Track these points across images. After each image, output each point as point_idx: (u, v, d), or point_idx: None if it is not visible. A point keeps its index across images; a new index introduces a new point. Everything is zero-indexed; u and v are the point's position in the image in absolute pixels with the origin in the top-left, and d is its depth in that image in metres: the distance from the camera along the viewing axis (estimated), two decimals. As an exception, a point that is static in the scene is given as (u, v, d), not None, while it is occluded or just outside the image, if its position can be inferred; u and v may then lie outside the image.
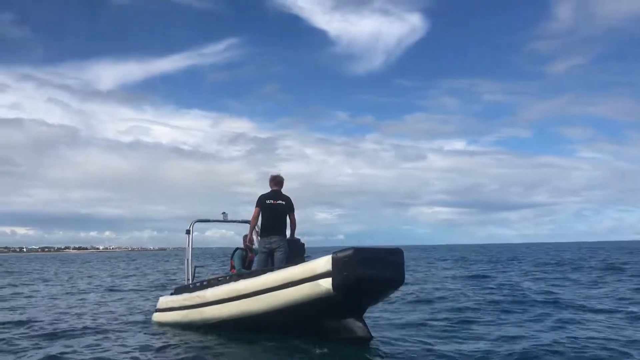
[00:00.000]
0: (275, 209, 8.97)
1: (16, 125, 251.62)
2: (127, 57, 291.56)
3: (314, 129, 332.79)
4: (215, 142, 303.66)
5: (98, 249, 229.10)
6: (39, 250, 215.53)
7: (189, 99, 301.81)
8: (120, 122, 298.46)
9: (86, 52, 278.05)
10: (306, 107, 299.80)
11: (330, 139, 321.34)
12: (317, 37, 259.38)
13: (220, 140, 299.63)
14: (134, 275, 28.71)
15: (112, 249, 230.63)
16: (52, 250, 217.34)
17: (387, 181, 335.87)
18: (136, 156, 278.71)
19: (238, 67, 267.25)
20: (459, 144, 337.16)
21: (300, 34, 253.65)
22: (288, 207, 9.05)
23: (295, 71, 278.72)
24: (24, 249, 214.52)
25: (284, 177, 9.24)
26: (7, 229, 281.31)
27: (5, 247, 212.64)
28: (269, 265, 8.75)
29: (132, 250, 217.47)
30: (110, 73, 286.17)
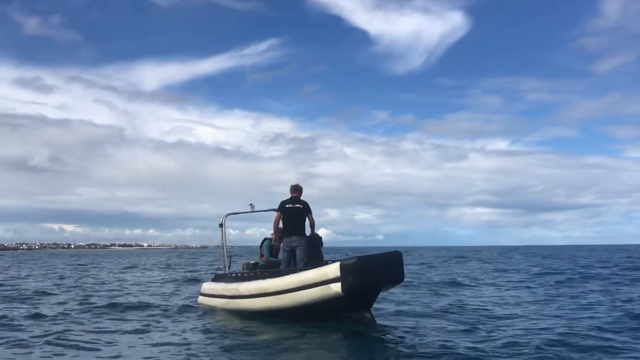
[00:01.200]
0: (294, 212, 10.50)
1: (65, 125, 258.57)
2: (170, 58, 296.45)
3: (354, 129, 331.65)
4: (256, 142, 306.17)
5: (142, 246, 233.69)
6: (86, 246, 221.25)
7: (230, 100, 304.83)
8: (164, 122, 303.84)
9: (131, 54, 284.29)
10: (346, 107, 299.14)
11: (371, 139, 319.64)
12: (357, 37, 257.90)
13: (261, 140, 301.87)
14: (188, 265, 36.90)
15: (156, 246, 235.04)
16: (99, 247, 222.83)
17: (428, 181, 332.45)
18: (180, 156, 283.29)
19: (279, 68, 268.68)
20: (502, 144, 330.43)
21: (340, 33, 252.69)
22: (305, 210, 10.56)
23: (336, 71, 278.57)
24: (72, 245, 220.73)
25: (302, 186, 10.84)
26: (56, 226, 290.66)
27: (54, 244, 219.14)
28: (291, 261, 10.39)
29: (176, 247, 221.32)
30: (154, 74, 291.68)
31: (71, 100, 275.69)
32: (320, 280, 8.97)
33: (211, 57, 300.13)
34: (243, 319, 10.33)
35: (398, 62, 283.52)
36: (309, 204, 10.66)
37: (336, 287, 8.75)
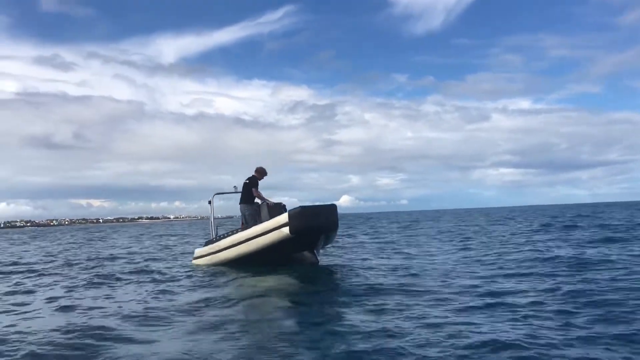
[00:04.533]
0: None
1: (86, 102, 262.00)
2: (186, 30, 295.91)
3: (373, 94, 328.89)
4: (275, 111, 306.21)
5: (169, 218, 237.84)
6: (114, 220, 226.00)
7: (248, 69, 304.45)
8: (184, 95, 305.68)
9: (147, 28, 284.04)
10: (364, 72, 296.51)
11: (390, 103, 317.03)
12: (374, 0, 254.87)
13: (280, 109, 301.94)
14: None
15: (182, 217, 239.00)
16: (126, 220, 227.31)
17: (450, 144, 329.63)
18: (200, 128, 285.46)
19: (295, 35, 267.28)
20: (524, 103, 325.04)
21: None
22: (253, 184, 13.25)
23: (353, 36, 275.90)
24: (100, 220, 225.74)
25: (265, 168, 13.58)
26: (84, 202, 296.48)
27: (83, 219, 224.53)
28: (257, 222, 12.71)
29: (202, 218, 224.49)
30: (171, 47, 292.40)
31: (91, 77, 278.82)
32: (275, 227, 11.64)
33: (227, 27, 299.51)
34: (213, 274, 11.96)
35: (416, 23, 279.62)
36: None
37: (285, 230, 11.39)
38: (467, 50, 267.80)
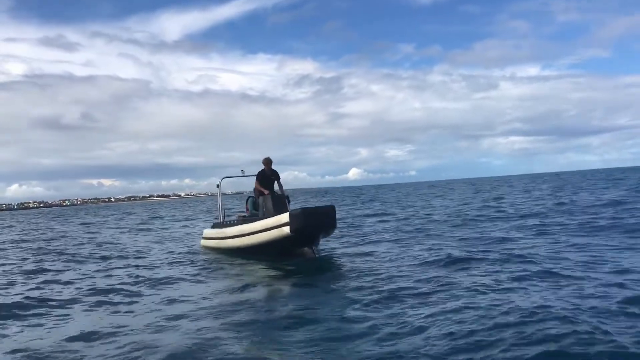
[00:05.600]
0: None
1: (92, 82, 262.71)
2: (189, 6, 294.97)
3: (379, 65, 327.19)
4: (281, 85, 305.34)
5: (179, 195, 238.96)
6: (126, 199, 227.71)
7: (253, 44, 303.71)
8: (189, 72, 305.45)
9: (150, 5, 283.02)
10: (370, 43, 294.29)
11: (397, 74, 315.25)
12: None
13: (286, 84, 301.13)
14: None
15: (193, 194, 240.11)
16: (138, 199, 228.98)
17: (458, 113, 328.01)
18: (206, 105, 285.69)
19: (299, 6, 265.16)
20: (532, 70, 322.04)
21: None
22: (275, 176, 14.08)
23: (358, 5, 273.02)
24: (112, 199, 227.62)
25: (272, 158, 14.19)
26: (95, 181, 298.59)
27: (95, 198, 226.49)
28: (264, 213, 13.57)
29: (212, 195, 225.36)
30: (175, 24, 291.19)
31: (96, 56, 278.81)
32: (276, 225, 12.45)
33: (230, 1, 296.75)
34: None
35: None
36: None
37: (286, 229, 12.17)
38: (474, 17, 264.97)
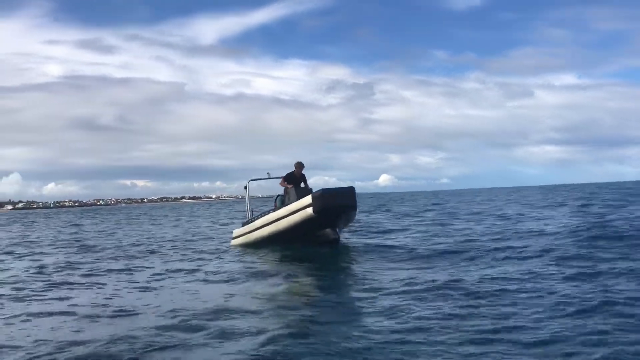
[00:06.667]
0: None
1: (128, 84, 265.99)
2: (225, 10, 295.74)
3: (412, 71, 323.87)
4: (313, 90, 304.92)
5: (211, 197, 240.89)
6: (158, 200, 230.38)
7: (286, 49, 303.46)
8: (223, 75, 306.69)
9: (186, 9, 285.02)
10: (403, 49, 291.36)
11: (430, 80, 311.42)
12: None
13: (319, 89, 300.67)
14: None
15: (224, 197, 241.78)
16: (170, 200, 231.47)
17: (492, 121, 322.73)
18: (239, 108, 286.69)
19: (333, 12, 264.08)
20: (569, 78, 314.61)
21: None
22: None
23: (391, 11, 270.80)
24: (145, 200, 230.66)
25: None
26: (128, 182, 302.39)
27: (128, 199, 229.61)
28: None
29: (242, 197, 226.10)
30: (210, 28, 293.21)
31: (132, 59, 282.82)
32: (300, 207, 13.14)
33: (265, 6, 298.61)
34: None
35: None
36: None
37: (310, 210, 12.84)
38: (510, 24, 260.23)
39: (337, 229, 13.33)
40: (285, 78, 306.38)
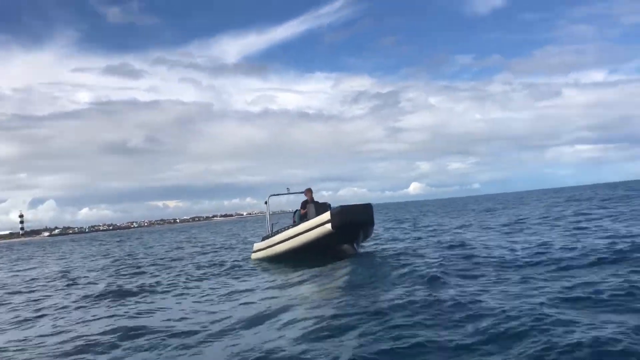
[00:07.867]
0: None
1: (155, 106, 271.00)
2: (247, 29, 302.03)
3: (437, 77, 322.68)
4: (338, 102, 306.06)
5: (242, 214, 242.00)
6: (190, 220, 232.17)
7: (309, 63, 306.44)
8: (248, 93, 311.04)
9: (209, 30, 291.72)
10: (427, 55, 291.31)
11: (455, 85, 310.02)
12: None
13: (344, 101, 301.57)
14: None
15: (255, 213, 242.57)
16: (202, 219, 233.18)
17: (521, 123, 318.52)
18: (266, 124, 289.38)
19: (355, 23, 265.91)
20: (598, 75, 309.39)
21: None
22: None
23: (413, 19, 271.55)
24: (177, 220, 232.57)
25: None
26: (160, 203, 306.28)
27: (161, 220, 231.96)
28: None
29: (273, 213, 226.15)
30: (233, 47, 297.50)
31: (159, 82, 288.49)
32: (319, 223, 13.47)
33: (287, 22, 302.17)
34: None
35: (479, 1, 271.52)
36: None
37: (328, 226, 13.14)
38: (533, 24, 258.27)
39: (356, 244, 13.62)
40: (309, 92, 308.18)
